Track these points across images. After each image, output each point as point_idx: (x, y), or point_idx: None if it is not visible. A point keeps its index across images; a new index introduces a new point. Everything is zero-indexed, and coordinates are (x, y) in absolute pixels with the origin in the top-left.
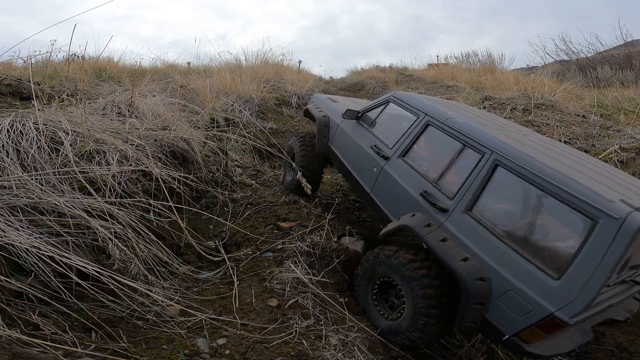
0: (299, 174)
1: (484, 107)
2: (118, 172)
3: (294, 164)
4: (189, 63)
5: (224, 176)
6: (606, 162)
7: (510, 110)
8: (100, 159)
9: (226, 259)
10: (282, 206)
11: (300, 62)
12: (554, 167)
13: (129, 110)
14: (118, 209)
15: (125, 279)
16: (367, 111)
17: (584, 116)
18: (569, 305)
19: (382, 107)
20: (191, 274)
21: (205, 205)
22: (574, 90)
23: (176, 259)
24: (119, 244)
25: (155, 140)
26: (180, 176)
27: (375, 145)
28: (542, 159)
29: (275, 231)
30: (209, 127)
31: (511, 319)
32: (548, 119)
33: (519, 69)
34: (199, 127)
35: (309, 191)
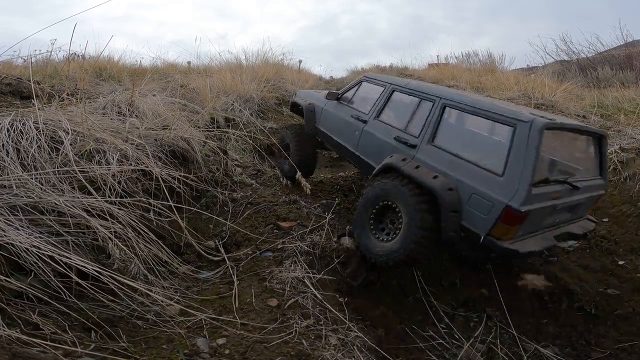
0: (298, 173)
1: None
2: (118, 172)
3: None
4: (189, 62)
5: (224, 176)
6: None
7: None
8: (100, 158)
9: (226, 258)
10: (282, 206)
11: (300, 61)
12: (483, 101)
13: (129, 110)
14: (118, 208)
15: (125, 279)
16: (345, 92)
17: (584, 116)
18: (516, 194)
19: (357, 86)
20: (191, 273)
21: (205, 204)
22: (574, 90)
23: (176, 258)
24: (119, 243)
25: (156, 140)
26: (180, 176)
27: (354, 115)
28: (475, 98)
29: (275, 231)
30: (209, 127)
31: (481, 219)
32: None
33: (519, 69)
34: (199, 127)
35: (308, 191)
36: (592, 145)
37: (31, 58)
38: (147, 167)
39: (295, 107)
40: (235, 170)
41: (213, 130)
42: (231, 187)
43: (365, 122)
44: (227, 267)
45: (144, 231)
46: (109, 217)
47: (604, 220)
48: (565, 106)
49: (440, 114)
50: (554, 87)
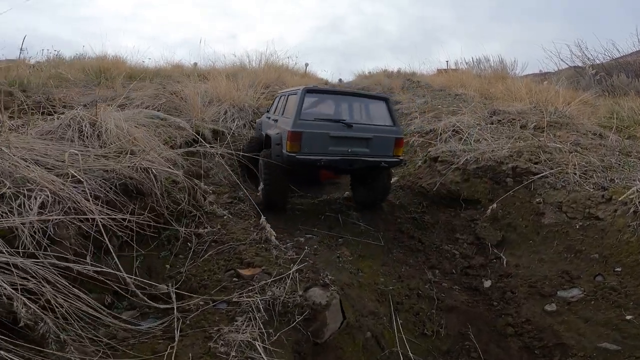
0: (262, 218)
1: (492, 123)
2: (37, 221)
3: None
4: (195, 64)
5: (193, 206)
6: (626, 203)
7: (520, 127)
8: (22, 202)
9: (175, 308)
10: (250, 246)
11: (307, 65)
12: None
13: (92, 129)
14: (34, 262)
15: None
16: (270, 107)
17: (600, 135)
18: (292, 125)
19: (275, 101)
20: (129, 324)
21: (166, 239)
22: (589, 100)
23: (115, 306)
24: (26, 300)
25: (106, 172)
26: (122, 219)
27: (271, 117)
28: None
29: (234, 279)
30: (191, 143)
31: (283, 143)
32: (561, 141)
33: (531, 74)
34: (175, 146)
35: (273, 238)
36: (377, 105)
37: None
38: (76, 211)
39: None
40: (205, 201)
41: (194, 148)
42: (199, 220)
43: (275, 120)
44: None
45: (64, 283)
46: (20, 272)
47: (617, 269)
48: (581, 122)
49: (281, 101)
50: (568, 98)
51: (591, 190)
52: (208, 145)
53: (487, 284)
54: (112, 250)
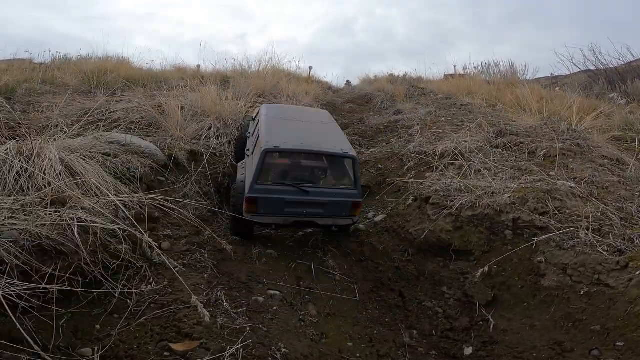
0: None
1: (497, 146)
2: None
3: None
4: (198, 66)
5: (139, 258)
6: None
7: (529, 155)
8: None
9: None
10: (194, 310)
11: (310, 68)
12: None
13: (28, 163)
14: None
15: None
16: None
17: (618, 161)
18: (250, 189)
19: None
20: None
21: (97, 296)
22: (602, 106)
23: None
24: None
25: (19, 232)
26: (25, 292)
27: (250, 134)
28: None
29: (166, 353)
30: (159, 171)
31: (242, 198)
32: (575, 177)
33: (542, 78)
34: (130, 178)
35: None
36: (339, 163)
37: None
38: None
39: None
40: (153, 252)
41: (163, 176)
42: (144, 273)
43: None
44: None
45: None
46: None
47: (618, 344)
48: (597, 144)
49: (258, 119)
50: (582, 109)
51: (605, 253)
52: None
53: (468, 351)
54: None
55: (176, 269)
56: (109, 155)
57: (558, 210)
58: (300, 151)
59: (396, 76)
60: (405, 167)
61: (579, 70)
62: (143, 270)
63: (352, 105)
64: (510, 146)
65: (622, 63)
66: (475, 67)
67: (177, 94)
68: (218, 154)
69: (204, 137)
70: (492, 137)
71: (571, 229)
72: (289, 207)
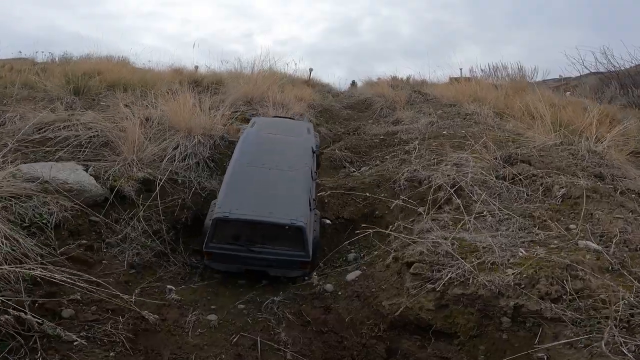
0: None
1: (504, 178)
2: None
3: None
4: (196, 67)
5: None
6: None
7: (543, 193)
8: None
9: None
10: None
11: (311, 70)
12: None
13: None
14: None
15: None
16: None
17: None
18: (205, 245)
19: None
20: None
21: None
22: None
23: None
24: None
25: None
26: None
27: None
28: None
29: None
30: (91, 210)
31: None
32: (601, 235)
33: (551, 79)
34: (43, 226)
35: None
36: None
37: None
38: None
39: None
40: (43, 324)
41: (98, 214)
42: (32, 345)
43: None
44: None
45: None
46: None
47: None
48: (624, 175)
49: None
50: (600, 120)
51: (631, 358)
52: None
53: None
54: None
55: (75, 343)
56: (20, 197)
57: (577, 295)
58: (249, 221)
59: (399, 79)
60: (395, 202)
61: (588, 72)
62: (32, 342)
63: (351, 111)
64: (521, 179)
65: (635, 64)
66: (482, 70)
67: (154, 102)
68: (181, 181)
69: (167, 158)
70: (499, 163)
71: (592, 321)
72: (241, 260)
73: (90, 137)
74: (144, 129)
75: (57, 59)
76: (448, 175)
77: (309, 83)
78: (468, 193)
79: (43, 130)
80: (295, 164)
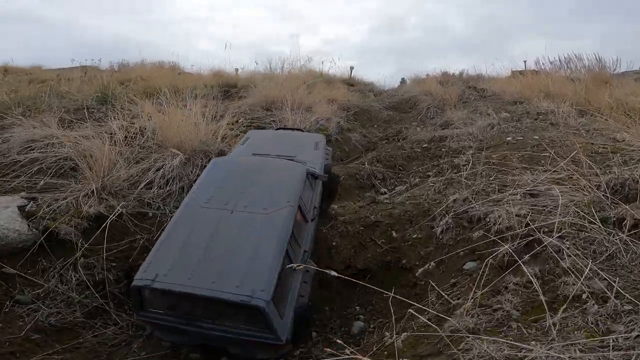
0: None
1: (613, 224)
2: None
3: None
4: (236, 70)
5: None
6: None
7: None
8: None
9: None
10: None
11: (352, 68)
12: None
13: None
14: None
15: None
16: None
17: None
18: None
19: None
20: None
21: None
22: None
23: None
24: None
25: None
26: None
27: None
28: None
29: None
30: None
31: None
32: None
33: (632, 71)
34: None
35: None
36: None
37: None
38: None
39: None
40: None
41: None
42: None
43: None
44: None
45: None
46: None
47: None
48: None
49: None
50: None
51: None
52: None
53: None
54: None
55: None
56: None
57: None
58: (179, 294)
59: (451, 74)
60: (432, 246)
61: None
62: None
63: (392, 112)
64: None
65: None
66: (550, 62)
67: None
68: (152, 214)
69: (141, 186)
70: (605, 195)
71: None
72: (190, 333)
73: (59, 159)
74: (128, 146)
75: (115, 66)
76: (518, 215)
77: (350, 82)
78: (551, 252)
79: (29, 149)
80: (274, 201)
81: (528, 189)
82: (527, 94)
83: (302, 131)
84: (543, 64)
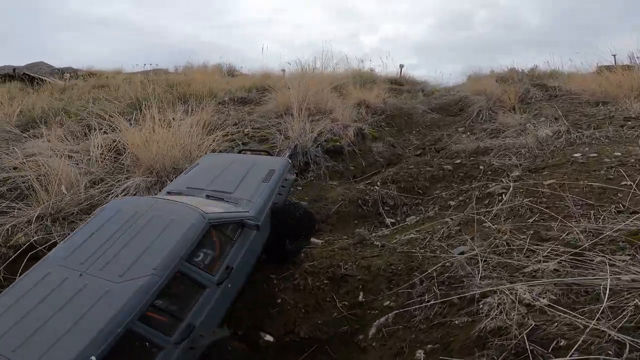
0: None
1: None
2: None
3: None
4: (283, 70)
5: None
6: None
7: None
8: None
9: None
10: None
11: (401, 66)
12: None
13: None
14: None
15: None
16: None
17: None
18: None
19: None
20: None
21: None
22: None
23: None
24: None
25: None
26: None
27: None
28: None
29: None
30: None
31: None
32: None
33: None
34: None
35: None
36: None
37: None
38: None
39: None
40: None
41: None
42: None
43: None
44: None
45: None
46: None
47: None
48: None
49: None
50: None
51: None
52: None
53: None
54: None
55: None
56: None
57: None
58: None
59: (519, 71)
60: (401, 324)
61: None
62: None
63: (437, 115)
64: None
65: None
66: None
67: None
68: None
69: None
70: None
71: None
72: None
73: (26, 180)
74: (103, 164)
75: (180, 69)
76: (527, 306)
77: (399, 81)
78: None
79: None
80: (137, 266)
81: (576, 251)
82: (613, 92)
83: (269, 153)
84: (638, 57)
